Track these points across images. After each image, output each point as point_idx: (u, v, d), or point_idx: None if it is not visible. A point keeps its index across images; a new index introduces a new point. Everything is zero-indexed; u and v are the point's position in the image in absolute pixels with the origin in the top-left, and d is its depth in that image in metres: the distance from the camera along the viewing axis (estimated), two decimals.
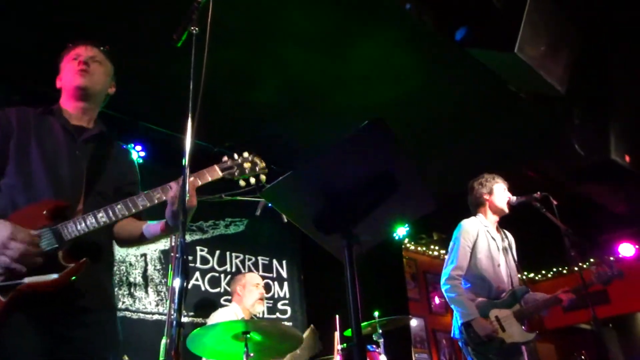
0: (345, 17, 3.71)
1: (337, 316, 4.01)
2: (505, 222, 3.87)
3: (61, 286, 1.69)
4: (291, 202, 1.57)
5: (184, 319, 4.51)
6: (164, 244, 4.66)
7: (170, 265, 4.29)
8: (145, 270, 4.50)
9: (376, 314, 4.16)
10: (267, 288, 5.21)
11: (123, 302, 4.25)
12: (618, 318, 7.94)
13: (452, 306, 3.50)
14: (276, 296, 5.44)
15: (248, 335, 3.01)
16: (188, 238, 4.87)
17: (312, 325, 4.22)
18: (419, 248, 8.16)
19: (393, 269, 6.89)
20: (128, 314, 4.24)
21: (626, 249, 7.70)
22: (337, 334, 3.98)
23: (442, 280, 3.60)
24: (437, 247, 8.22)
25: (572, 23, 3.92)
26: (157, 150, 4.55)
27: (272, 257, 5.59)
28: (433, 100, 4.64)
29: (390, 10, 3.64)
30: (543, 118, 4.87)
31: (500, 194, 3.75)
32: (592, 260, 3.69)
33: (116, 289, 4.25)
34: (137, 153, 4.37)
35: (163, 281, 4.54)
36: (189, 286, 4.70)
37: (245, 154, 2.04)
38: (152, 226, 1.95)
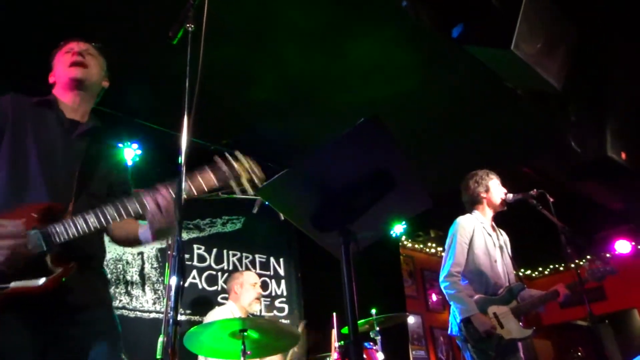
0: (342, 15, 3.71)
1: (334, 314, 4.01)
2: (501, 220, 3.88)
3: (50, 290, 1.64)
4: (288, 200, 1.57)
5: (181, 317, 4.54)
6: (160, 242, 4.66)
7: (167, 264, 4.29)
8: (142, 268, 4.49)
9: (373, 311, 4.17)
10: (265, 286, 5.21)
11: (120, 301, 4.24)
12: (614, 314, 7.97)
13: (451, 303, 3.51)
14: (273, 294, 5.44)
15: (245, 333, 3.02)
16: (185, 236, 4.86)
17: (304, 321, 4.21)
18: (416, 245, 8.17)
19: (390, 266, 6.90)
20: (125, 312, 4.23)
21: (622, 246, 7.74)
22: (334, 332, 3.98)
23: (441, 278, 3.60)
24: (434, 245, 8.23)
25: (568, 20, 3.92)
26: (153, 148, 4.53)
27: (270, 255, 5.59)
28: (430, 98, 4.64)
29: (387, 7, 3.63)
30: (539, 115, 4.87)
31: (496, 190, 3.76)
32: (588, 257, 3.70)
33: (113, 287, 4.24)
34: (133, 151, 4.35)
35: (160, 279, 4.53)
36: (186, 284, 4.70)
37: (245, 162, 1.77)
38: (145, 231, 1.89)
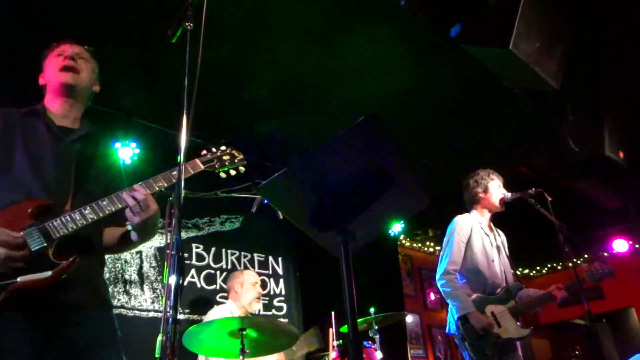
0: (338, 13, 3.71)
1: (332, 313, 4.02)
2: (499, 218, 3.89)
3: (53, 283, 1.67)
4: (286, 199, 1.57)
5: (180, 316, 4.52)
6: (159, 241, 4.66)
7: (165, 263, 4.28)
8: (141, 267, 4.49)
9: (372, 310, 4.18)
10: (263, 285, 5.21)
11: (118, 300, 4.24)
12: (612, 313, 7.98)
13: (448, 301, 3.51)
14: (272, 293, 5.45)
15: (244, 332, 3.02)
16: (183, 235, 4.85)
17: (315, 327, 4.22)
18: (415, 244, 8.18)
19: (388, 265, 6.91)
20: (123, 311, 4.23)
21: (620, 245, 7.75)
22: (332, 331, 3.99)
23: (438, 275, 3.61)
24: (432, 244, 8.24)
25: (566, 19, 3.92)
26: (151, 147, 4.52)
27: (268, 254, 5.59)
28: (427, 96, 4.64)
29: (384, 5, 3.64)
30: (537, 114, 4.88)
31: (495, 191, 3.77)
32: (586, 256, 3.70)
33: (111, 287, 4.24)
34: (131, 150, 4.34)
35: (158, 278, 4.53)
36: (185, 283, 4.70)
37: (223, 147, 2.14)
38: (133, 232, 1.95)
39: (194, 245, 5.00)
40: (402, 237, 7.73)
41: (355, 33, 3.89)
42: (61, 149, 1.94)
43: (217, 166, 2.09)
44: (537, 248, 7.20)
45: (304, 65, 4.14)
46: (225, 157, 2.12)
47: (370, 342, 4.01)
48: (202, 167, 2.05)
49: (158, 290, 4.49)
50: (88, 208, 1.77)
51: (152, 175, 1.91)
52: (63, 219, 1.74)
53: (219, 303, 4.62)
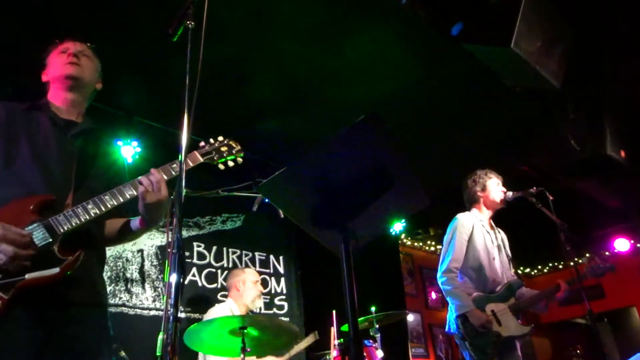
0: (340, 12, 3.70)
1: (334, 311, 4.02)
2: (501, 217, 3.89)
3: (59, 279, 1.67)
4: (288, 197, 1.57)
5: (181, 315, 4.54)
6: (160, 239, 4.66)
7: (166, 261, 4.29)
8: (142, 266, 4.50)
9: (373, 309, 4.18)
10: (264, 284, 5.22)
11: (120, 298, 4.25)
12: (613, 313, 7.98)
13: (448, 299, 3.52)
14: (273, 292, 5.45)
15: (245, 331, 3.02)
16: (185, 234, 4.86)
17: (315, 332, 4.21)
18: (416, 243, 8.18)
19: (390, 264, 6.91)
20: (125, 309, 4.24)
21: (621, 244, 7.75)
22: (334, 329, 3.99)
23: (439, 273, 3.61)
24: (433, 243, 8.24)
25: (567, 18, 3.92)
26: (152, 146, 4.53)
27: (269, 253, 5.59)
28: (428, 95, 4.64)
29: (385, 4, 3.63)
30: (538, 113, 4.88)
31: (493, 189, 3.77)
32: (587, 255, 3.70)
33: (113, 285, 4.24)
34: (132, 149, 4.35)
35: (159, 277, 4.54)
36: (186, 282, 4.70)
37: (220, 138, 2.17)
38: (134, 220, 1.97)
39: (195, 243, 5.00)
40: (403, 236, 7.74)
41: (356, 32, 3.88)
42: (64, 142, 1.95)
43: (215, 158, 2.11)
44: (538, 247, 7.20)
45: (305, 64, 4.14)
46: (223, 149, 2.14)
47: (371, 341, 4.01)
48: (201, 159, 2.06)
49: (159, 289, 4.50)
50: (91, 202, 1.78)
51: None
52: (66, 214, 1.74)
53: (220, 301, 4.63)
